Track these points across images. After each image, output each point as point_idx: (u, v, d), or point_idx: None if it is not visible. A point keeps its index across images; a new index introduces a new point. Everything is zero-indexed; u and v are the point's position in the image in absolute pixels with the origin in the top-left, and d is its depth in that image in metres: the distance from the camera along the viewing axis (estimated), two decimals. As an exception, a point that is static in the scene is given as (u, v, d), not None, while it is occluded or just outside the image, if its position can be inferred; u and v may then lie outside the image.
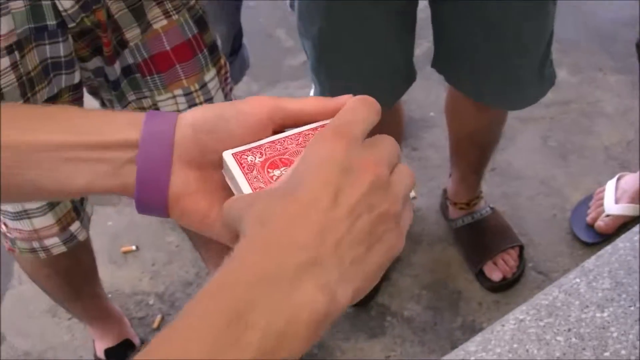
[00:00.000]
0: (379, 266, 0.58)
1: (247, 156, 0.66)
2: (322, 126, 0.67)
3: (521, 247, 2.20)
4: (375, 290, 2.15)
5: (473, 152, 2.11)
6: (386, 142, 0.62)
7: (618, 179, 2.29)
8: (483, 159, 2.13)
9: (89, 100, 1.50)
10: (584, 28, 2.89)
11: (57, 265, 1.73)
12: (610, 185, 2.27)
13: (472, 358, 1.32)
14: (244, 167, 0.66)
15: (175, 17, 1.40)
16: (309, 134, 0.67)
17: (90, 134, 0.67)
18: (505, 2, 1.66)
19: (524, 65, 1.77)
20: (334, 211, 0.56)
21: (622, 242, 1.53)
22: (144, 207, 0.68)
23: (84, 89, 1.43)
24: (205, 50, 1.47)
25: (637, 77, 2.28)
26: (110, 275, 2.19)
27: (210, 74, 1.49)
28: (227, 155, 0.66)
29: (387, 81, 1.83)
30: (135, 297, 2.21)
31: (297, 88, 2.84)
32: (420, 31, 1.83)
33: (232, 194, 0.66)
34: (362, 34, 1.70)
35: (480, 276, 2.18)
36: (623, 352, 1.30)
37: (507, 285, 2.14)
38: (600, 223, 2.21)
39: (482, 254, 2.18)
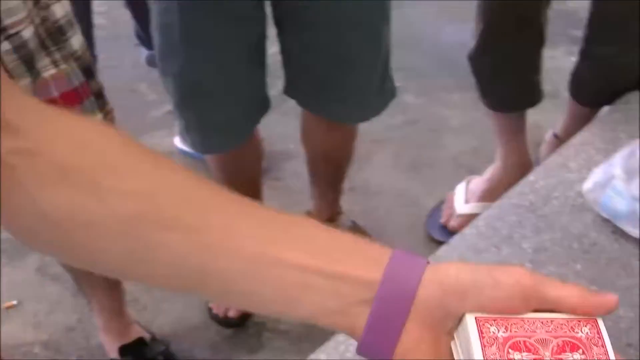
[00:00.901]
0: None
1: (491, 326, 0.61)
2: (579, 320, 0.62)
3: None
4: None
5: (328, 169, 2.22)
6: None
7: (467, 183, 2.44)
8: (338, 175, 2.25)
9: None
10: (426, 54, 3.06)
11: None
12: (460, 189, 2.43)
13: (342, 347, 1.42)
14: (483, 337, 0.61)
15: (63, 66, 1.48)
16: (562, 324, 0.62)
17: (331, 260, 0.62)
18: (342, 30, 1.79)
19: (364, 82, 1.90)
20: None
21: (468, 230, 1.66)
22: (366, 352, 0.63)
23: None
24: (91, 96, 1.55)
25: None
26: (-5, 332, 2.21)
27: (96, 120, 1.57)
28: (470, 318, 0.61)
29: (244, 110, 1.93)
30: (20, 348, 2.22)
31: (162, 137, 2.91)
32: (277, 72, 1.96)
33: None
34: (218, 69, 1.79)
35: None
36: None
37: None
38: (452, 223, 2.35)
39: (347, 265, 2.27)
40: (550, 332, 0.61)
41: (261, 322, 2.22)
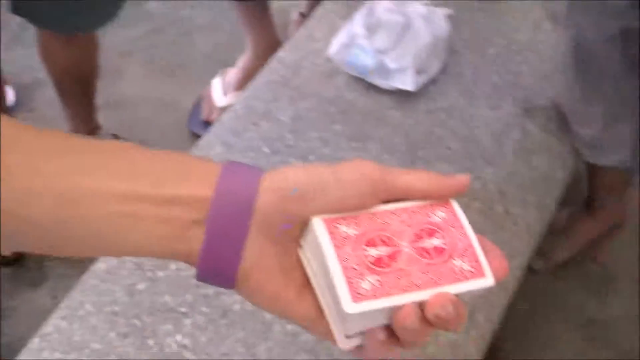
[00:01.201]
0: None
1: (340, 225, 0.57)
2: (432, 205, 0.59)
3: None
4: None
5: (74, 87, 2.14)
6: None
7: (223, 76, 2.44)
8: (87, 91, 2.16)
9: None
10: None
11: None
12: (216, 83, 2.42)
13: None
14: (335, 239, 0.56)
15: None
16: (415, 212, 0.59)
17: (154, 183, 0.55)
18: None
19: None
20: None
21: (226, 115, 1.66)
22: (207, 277, 0.57)
23: None
24: None
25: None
26: None
27: None
28: (317, 221, 0.56)
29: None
30: None
31: None
32: None
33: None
34: None
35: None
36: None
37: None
38: (214, 116, 2.34)
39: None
40: (405, 221, 0.58)
41: (40, 255, 2.14)
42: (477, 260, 0.58)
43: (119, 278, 1.33)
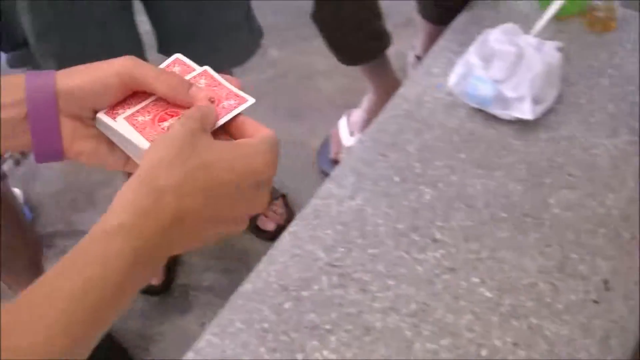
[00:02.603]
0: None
1: (118, 110, 0.77)
2: (194, 78, 0.81)
3: (284, 196, 2.41)
4: (173, 274, 2.30)
5: None
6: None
7: (348, 117, 2.55)
8: None
9: None
10: (279, 11, 3.14)
11: None
12: (342, 123, 2.53)
13: (264, 273, 1.51)
14: (114, 118, 0.76)
15: None
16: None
17: None
18: None
19: (234, 20, 1.95)
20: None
21: (355, 146, 1.77)
22: (42, 157, 0.76)
23: None
24: None
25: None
26: None
27: None
28: (101, 115, 0.77)
29: None
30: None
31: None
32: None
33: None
34: (92, 40, 1.80)
35: (257, 231, 2.36)
36: (380, 221, 1.53)
37: (282, 231, 2.33)
38: (342, 155, 2.45)
39: (251, 212, 2.36)
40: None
41: (185, 284, 2.28)
42: (237, 95, 0.81)
43: (265, 298, 1.44)
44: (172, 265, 2.30)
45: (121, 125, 0.76)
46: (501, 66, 1.66)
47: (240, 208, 0.72)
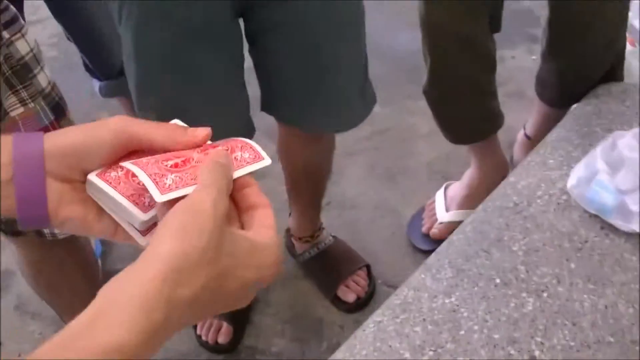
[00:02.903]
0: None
1: (110, 173, 0.73)
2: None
3: (368, 267, 2.30)
4: (241, 334, 2.20)
5: (308, 185, 2.19)
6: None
7: (445, 189, 2.44)
8: (318, 190, 2.22)
9: None
10: (385, 64, 3.05)
11: None
12: (439, 196, 2.41)
13: (343, 364, 1.40)
14: (110, 183, 0.72)
15: (31, 105, 1.43)
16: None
17: None
18: (322, 32, 1.73)
19: (346, 87, 1.85)
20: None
21: (456, 236, 1.65)
22: (27, 222, 0.73)
23: None
24: None
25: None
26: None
27: None
28: (93, 178, 0.73)
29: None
30: (6, 391, 2.17)
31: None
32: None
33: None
34: (204, 95, 1.73)
35: (336, 300, 2.25)
36: (475, 327, 1.41)
37: (362, 304, 2.23)
38: (434, 231, 2.33)
39: (333, 280, 2.27)
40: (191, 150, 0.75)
41: (252, 346, 2.19)
42: (254, 150, 0.77)
43: None
44: (242, 325, 2.21)
45: (97, 182, 0.72)
46: (629, 176, 1.53)
47: (234, 303, 0.70)
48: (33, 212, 0.73)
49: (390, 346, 1.41)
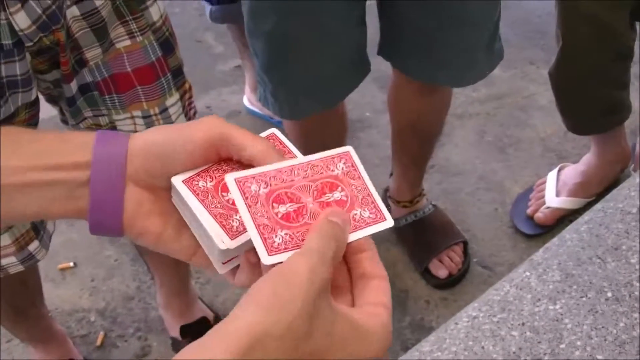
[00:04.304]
0: None
1: (198, 182, 0.65)
2: (333, 157, 0.66)
3: (465, 243, 2.20)
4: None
5: (415, 143, 2.09)
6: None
7: (559, 170, 2.31)
8: (425, 151, 2.13)
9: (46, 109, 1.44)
10: (512, 23, 2.91)
11: (2, 285, 1.67)
12: (551, 177, 2.29)
13: (428, 358, 1.31)
14: (197, 194, 0.65)
15: (139, 38, 1.36)
16: (318, 165, 0.66)
17: (42, 156, 0.66)
18: None
19: (475, 40, 1.76)
20: None
21: (568, 234, 1.53)
22: (98, 229, 0.67)
23: (42, 97, 1.39)
24: (168, 74, 1.42)
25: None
26: (49, 294, 2.12)
27: (172, 99, 1.45)
28: (177, 182, 0.65)
29: (344, 73, 1.81)
30: (75, 314, 2.15)
31: (230, 93, 2.81)
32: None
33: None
34: (316, 26, 1.68)
35: (426, 274, 2.17)
36: (578, 343, 1.31)
37: (453, 282, 2.14)
38: (540, 215, 2.22)
39: (427, 252, 2.18)
40: (308, 177, 0.64)
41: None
42: (375, 207, 0.66)
43: None
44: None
45: (180, 188, 0.65)
46: None
47: None
48: (106, 220, 0.67)
49: (483, 347, 1.32)
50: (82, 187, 0.66)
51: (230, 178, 0.62)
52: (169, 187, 0.67)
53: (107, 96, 1.37)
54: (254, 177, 0.63)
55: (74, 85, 1.33)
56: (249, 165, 0.65)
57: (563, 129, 2.50)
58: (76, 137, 0.68)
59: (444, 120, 2.08)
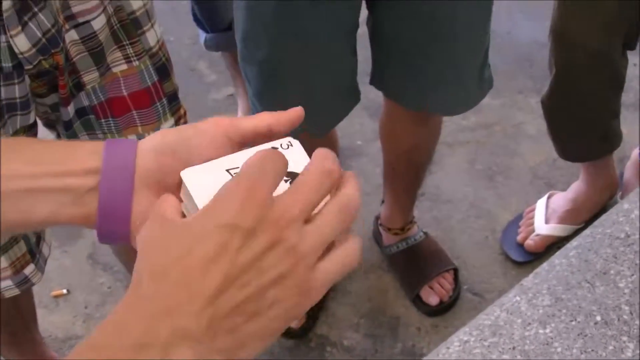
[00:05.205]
0: (268, 331, 0.56)
1: (208, 175, 0.63)
2: (280, 144, 0.66)
3: (456, 270, 2.22)
4: (314, 320, 2.15)
5: (408, 172, 2.12)
6: (303, 189, 0.57)
7: (548, 198, 2.33)
8: (417, 179, 2.15)
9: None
10: (501, 52, 2.93)
11: None
12: (540, 205, 2.32)
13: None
14: (199, 189, 0.63)
15: (136, 63, 1.38)
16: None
17: (52, 163, 0.67)
18: (451, 3, 1.67)
19: (466, 68, 1.78)
20: (220, 280, 0.53)
21: (557, 259, 1.55)
22: (106, 236, 0.68)
23: (40, 122, 1.41)
24: (164, 99, 1.44)
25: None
26: (42, 320, 2.11)
27: (167, 124, 1.46)
28: (184, 174, 0.64)
29: (335, 101, 1.83)
30: (69, 341, 2.15)
31: (223, 122, 2.82)
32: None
33: None
34: (309, 55, 1.70)
35: (418, 301, 2.18)
36: (568, 366, 1.32)
37: (444, 309, 2.16)
38: (529, 242, 2.24)
39: (417, 279, 2.19)
40: None
41: (324, 336, 2.14)
42: None
43: None
44: (316, 312, 2.16)
45: (185, 179, 0.63)
46: None
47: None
48: (114, 226, 0.67)
49: (473, 371, 1.33)
50: (92, 194, 0.66)
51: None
52: (179, 187, 0.66)
53: (103, 120, 1.40)
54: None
55: (71, 109, 1.35)
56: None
57: (552, 157, 2.52)
58: (86, 145, 0.69)
59: (434, 148, 2.11)
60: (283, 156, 0.58)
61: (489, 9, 1.74)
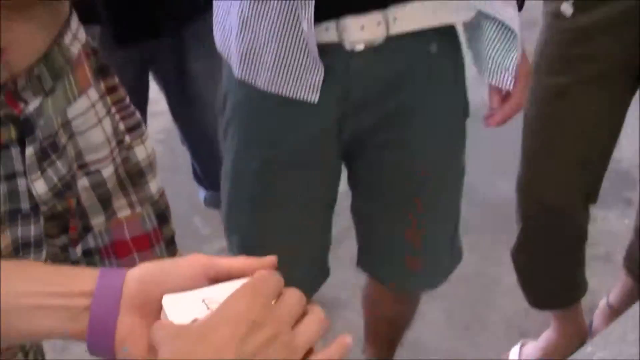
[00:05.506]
0: None
1: (187, 303, 0.75)
2: None
3: None
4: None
5: (390, 333, 2.21)
6: (290, 299, 0.78)
7: (521, 347, 2.40)
8: (398, 336, 2.23)
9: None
10: (475, 209, 3.04)
11: None
12: (513, 354, 2.39)
13: None
14: (181, 317, 0.75)
15: (138, 209, 1.47)
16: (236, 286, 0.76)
17: (59, 285, 0.79)
18: (420, 185, 1.75)
19: (438, 240, 1.87)
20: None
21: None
22: (94, 349, 0.79)
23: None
24: (162, 243, 1.52)
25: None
26: None
27: None
28: (165, 300, 0.76)
29: (304, 277, 1.83)
30: None
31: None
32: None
33: None
34: (288, 232, 1.76)
35: None
36: None
37: None
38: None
39: None
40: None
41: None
42: None
43: None
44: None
45: (165, 304, 0.76)
46: None
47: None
48: (101, 340, 0.78)
49: None
50: (85, 312, 0.77)
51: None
52: (160, 313, 0.77)
53: (106, 260, 1.48)
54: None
55: (78, 250, 1.44)
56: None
57: (524, 306, 2.61)
58: (87, 271, 0.81)
59: (415, 312, 2.20)
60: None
61: (458, 184, 1.85)
